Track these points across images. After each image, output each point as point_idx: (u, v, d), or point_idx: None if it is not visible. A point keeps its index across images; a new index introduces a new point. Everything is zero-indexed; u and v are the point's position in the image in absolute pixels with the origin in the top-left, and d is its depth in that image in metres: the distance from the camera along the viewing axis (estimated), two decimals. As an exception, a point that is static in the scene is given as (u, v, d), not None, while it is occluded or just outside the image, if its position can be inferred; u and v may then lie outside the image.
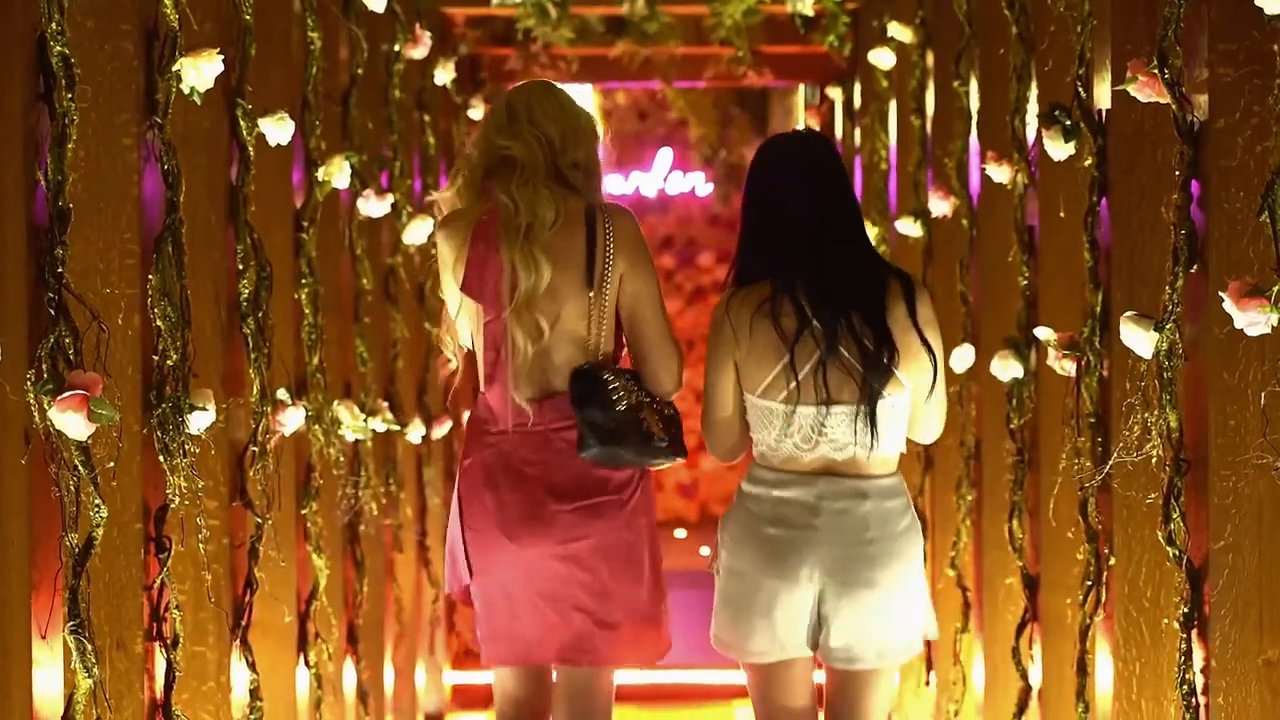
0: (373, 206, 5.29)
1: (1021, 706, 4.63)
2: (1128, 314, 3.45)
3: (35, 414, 2.83)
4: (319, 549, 4.61)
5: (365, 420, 5.04)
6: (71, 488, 2.89)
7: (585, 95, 12.57)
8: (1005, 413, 4.71)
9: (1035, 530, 4.60)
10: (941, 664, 5.90)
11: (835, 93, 7.86)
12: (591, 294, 4.18)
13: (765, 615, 4.01)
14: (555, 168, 4.22)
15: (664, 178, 13.35)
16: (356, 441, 5.22)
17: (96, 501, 2.92)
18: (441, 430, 6.78)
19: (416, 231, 5.80)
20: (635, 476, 4.24)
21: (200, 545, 3.53)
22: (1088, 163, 3.98)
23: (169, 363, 3.41)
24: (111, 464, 3.00)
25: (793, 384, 4.00)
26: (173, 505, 3.43)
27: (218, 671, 3.92)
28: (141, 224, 3.41)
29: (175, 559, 3.54)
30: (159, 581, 3.41)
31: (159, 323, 3.39)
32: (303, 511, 4.60)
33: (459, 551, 4.29)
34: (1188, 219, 3.32)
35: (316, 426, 4.62)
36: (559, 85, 4.37)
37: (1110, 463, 3.65)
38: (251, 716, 3.98)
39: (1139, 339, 3.42)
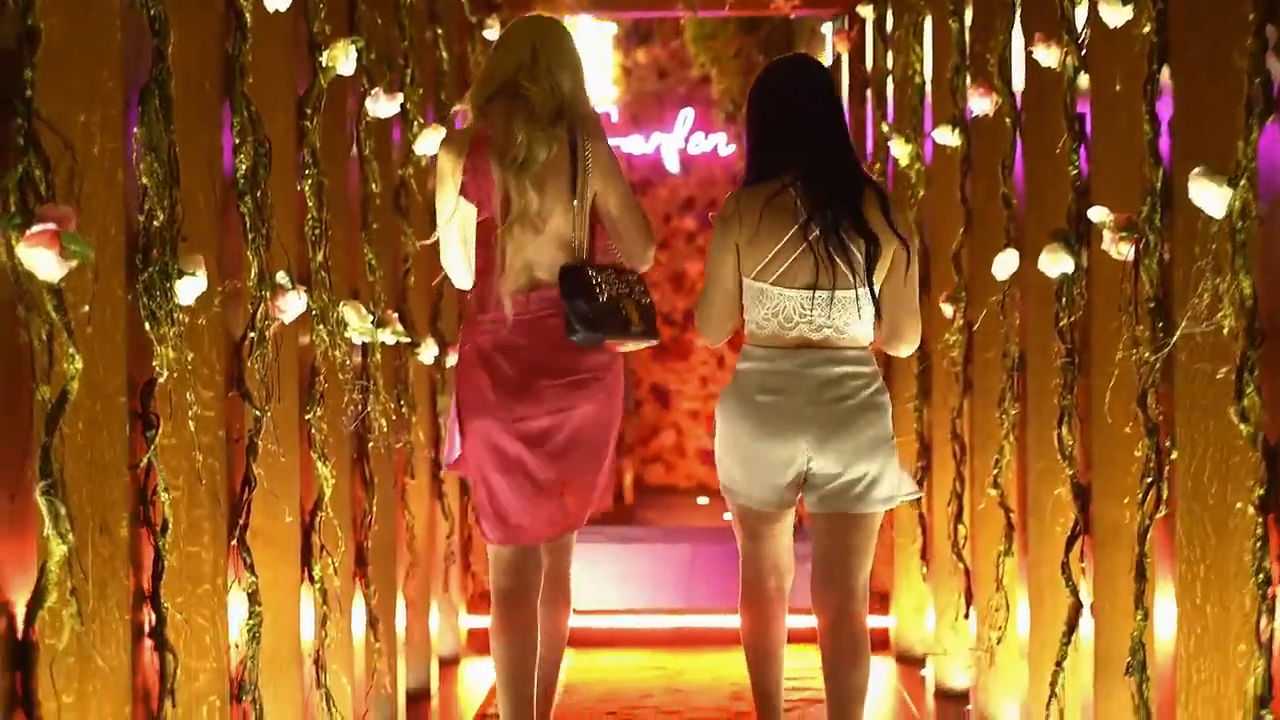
0: (381, 107, 5.02)
1: (1072, 625, 4.35)
2: (1197, 169, 3.18)
3: (1, 252, 2.56)
4: (324, 456, 4.34)
5: (374, 325, 4.76)
6: (43, 336, 2.62)
7: (606, 33, 12.29)
8: (1053, 313, 4.43)
9: (1086, 436, 4.32)
10: (982, 592, 5.61)
11: (866, 10, 7.59)
12: (576, 203, 4.83)
13: (765, 471, 4.68)
14: (559, 112, 4.83)
15: (685, 139, 13.11)
16: (365, 353, 4.96)
17: (70, 351, 2.65)
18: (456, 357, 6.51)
19: (428, 142, 5.58)
20: (608, 361, 4.90)
21: (192, 425, 3.27)
22: (1146, 29, 3.71)
23: (156, 223, 3.15)
24: (86, 308, 2.73)
25: (782, 269, 4.62)
26: (161, 379, 3.17)
27: (214, 574, 3.64)
28: (125, 74, 3.13)
29: (167, 452, 3.28)
30: (146, 460, 3.14)
31: (145, 179, 3.12)
32: (306, 416, 4.34)
33: (454, 427, 4.89)
34: (1261, 66, 3.07)
35: (320, 326, 4.35)
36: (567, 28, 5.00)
37: (1176, 334, 3.38)
38: (250, 621, 3.70)
39: (1210, 196, 3.16)
